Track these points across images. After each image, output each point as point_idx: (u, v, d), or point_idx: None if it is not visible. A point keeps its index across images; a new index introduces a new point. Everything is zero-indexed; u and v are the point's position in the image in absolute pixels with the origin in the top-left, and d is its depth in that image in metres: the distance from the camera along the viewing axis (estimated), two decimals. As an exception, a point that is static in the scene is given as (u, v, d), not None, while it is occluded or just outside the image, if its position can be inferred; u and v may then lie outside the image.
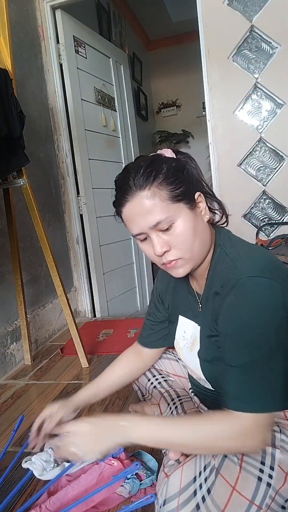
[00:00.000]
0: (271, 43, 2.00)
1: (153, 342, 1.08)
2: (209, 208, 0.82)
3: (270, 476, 0.70)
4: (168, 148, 0.82)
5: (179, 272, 0.78)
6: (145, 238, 0.78)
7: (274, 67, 2.02)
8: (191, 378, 1.01)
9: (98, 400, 1.09)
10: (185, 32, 4.44)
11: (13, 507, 0.96)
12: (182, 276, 0.79)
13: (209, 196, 0.84)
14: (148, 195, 0.73)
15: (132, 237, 3.28)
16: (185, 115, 4.99)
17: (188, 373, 1.03)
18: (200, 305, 0.86)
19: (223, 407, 0.73)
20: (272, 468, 0.71)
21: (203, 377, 0.87)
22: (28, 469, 1.03)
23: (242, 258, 0.74)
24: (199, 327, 0.86)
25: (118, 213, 0.80)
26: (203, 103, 2.28)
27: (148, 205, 0.73)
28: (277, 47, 2.00)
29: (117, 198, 0.78)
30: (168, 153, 0.81)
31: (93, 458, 0.76)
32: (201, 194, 0.80)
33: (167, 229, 0.75)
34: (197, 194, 0.79)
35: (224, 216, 0.87)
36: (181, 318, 0.94)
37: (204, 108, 2.44)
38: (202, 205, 0.80)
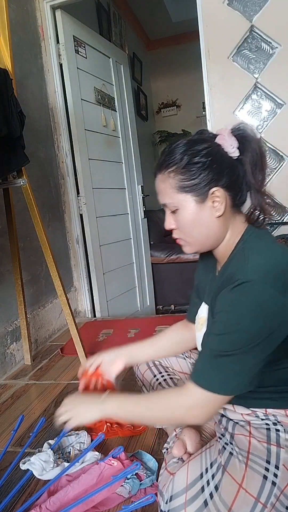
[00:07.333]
0: (271, 43, 2.00)
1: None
2: (261, 208, 0.82)
3: (275, 475, 0.71)
4: (227, 129, 0.79)
5: (185, 250, 0.86)
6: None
7: (274, 67, 2.02)
8: None
9: (140, 361, 1.19)
10: (185, 32, 4.43)
11: (13, 507, 0.96)
12: (189, 253, 0.87)
13: (256, 192, 0.83)
14: (161, 179, 0.82)
15: (132, 237, 3.27)
16: (185, 115, 4.99)
17: None
18: None
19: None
20: (277, 467, 0.72)
21: None
22: (27, 469, 1.03)
23: (253, 259, 0.74)
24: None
25: None
26: (203, 103, 2.28)
27: (160, 187, 0.83)
28: (277, 47, 2.00)
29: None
30: (222, 135, 0.78)
31: (82, 421, 0.90)
32: (221, 189, 0.78)
33: (174, 211, 0.82)
34: (214, 189, 0.78)
35: (262, 214, 0.84)
36: (202, 303, 0.94)
37: (204, 108, 2.44)
38: (219, 200, 0.78)
